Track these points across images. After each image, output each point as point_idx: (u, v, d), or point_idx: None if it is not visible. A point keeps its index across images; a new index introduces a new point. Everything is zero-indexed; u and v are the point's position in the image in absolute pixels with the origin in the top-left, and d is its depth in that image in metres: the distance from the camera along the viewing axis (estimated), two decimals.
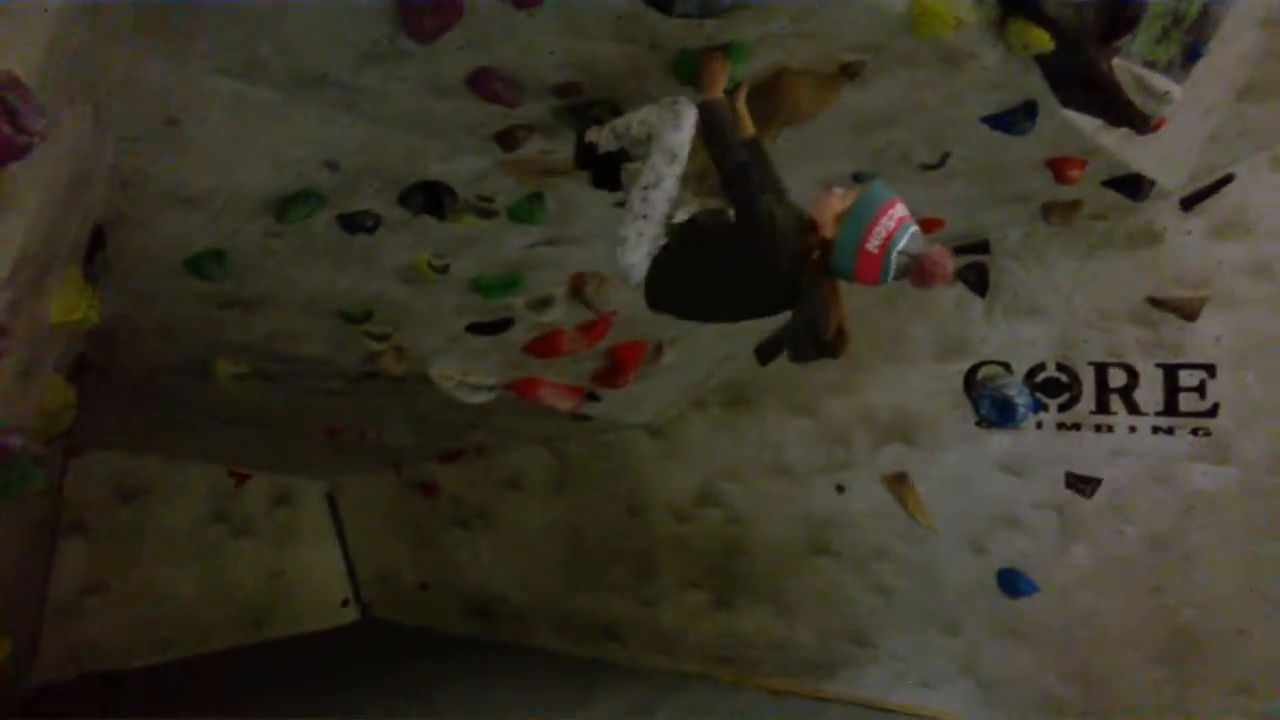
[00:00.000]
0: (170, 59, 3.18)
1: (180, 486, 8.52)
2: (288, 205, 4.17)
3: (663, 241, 3.39)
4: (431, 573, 9.35)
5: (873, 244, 3.01)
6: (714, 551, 7.74)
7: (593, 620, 8.40)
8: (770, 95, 3.81)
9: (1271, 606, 6.00)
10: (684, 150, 3.32)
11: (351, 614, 9.76)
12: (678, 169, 3.34)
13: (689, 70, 3.47)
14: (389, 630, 9.50)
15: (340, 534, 9.75)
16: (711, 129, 3.27)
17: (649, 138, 3.40)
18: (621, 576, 8.23)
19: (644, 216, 3.38)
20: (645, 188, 3.38)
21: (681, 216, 3.45)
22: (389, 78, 3.48)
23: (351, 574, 9.82)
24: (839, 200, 3.10)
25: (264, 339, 5.42)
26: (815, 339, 3.16)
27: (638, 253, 3.40)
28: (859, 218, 3.03)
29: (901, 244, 3.01)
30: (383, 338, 5.56)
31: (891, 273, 3.04)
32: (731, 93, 3.56)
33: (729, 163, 3.22)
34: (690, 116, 3.32)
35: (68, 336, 3.99)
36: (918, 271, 3.02)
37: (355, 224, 4.44)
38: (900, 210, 3.03)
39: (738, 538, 7.63)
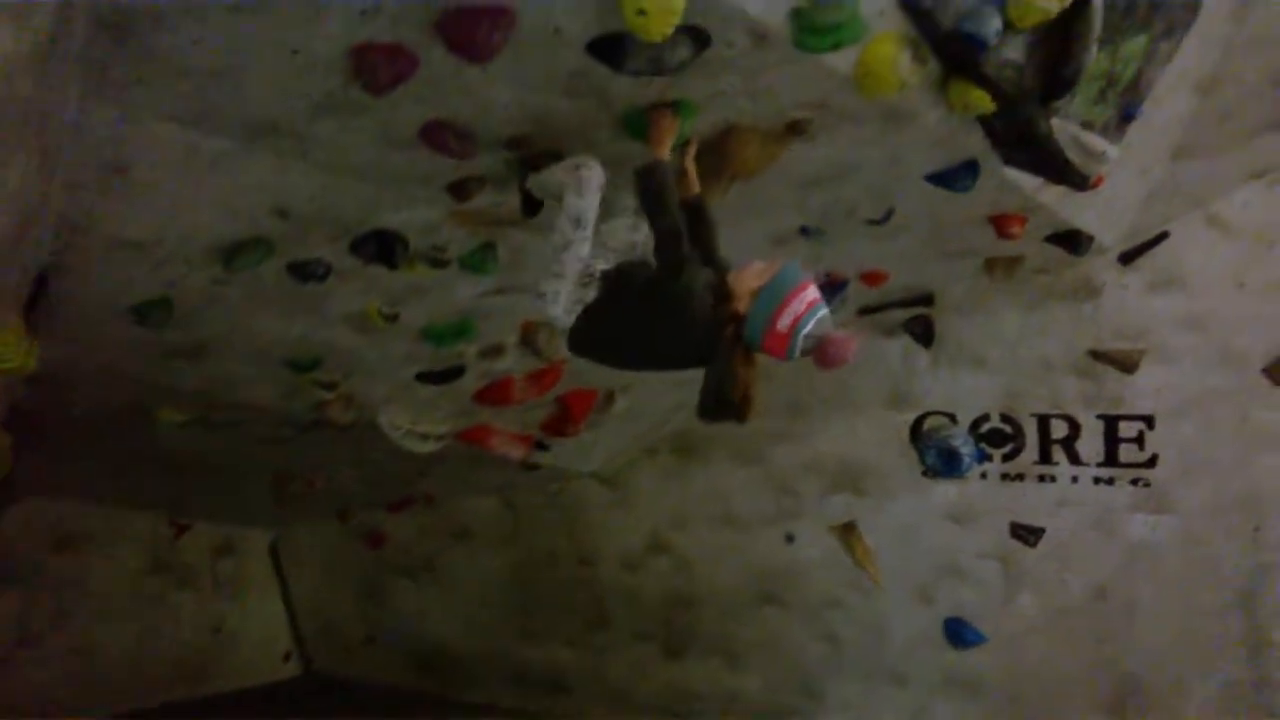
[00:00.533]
0: (121, 107, 3.16)
1: (119, 536, 8.29)
2: (237, 252, 4.14)
3: (580, 296, 3.44)
4: (377, 625, 9.18)
5: (782, 324, 3.11)
6: (663, 602, 7.70)
7: (542, 673, 8.29)
8: (718, 151, 3.88)
9: (1210, 655, 6.10)
10: (589, 214, 3.38)
11: (294, 668, 9.53)
12: (585, 233, 3.40)
13: (639, 126, 3.53)
14: (333, 684, 9.29)
15: (283, 585, 9.55)
16: (648, 192, 3.33)
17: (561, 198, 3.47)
18: (571, 628, 8.15)
19: (557, 275, 3.45)
20: (555, 249, 3.45)
21: (606, 265, 3.49)
22: (342, 128, 3.49)
23: (294, 627, 9.61)
24: (755, 277, 3.19)
25: (209, 386, 5.34)
26: (720, 402, 3.23)
27: (556, 308, 3.48)
28: (772, 297, 3.13)
29: (808, 328, 3.11)
30: (331, 386, 5.51)
31: (797, 352, 3.15)
32: (681, 148, 3.63)
33: (661, 228, 3.29)
34: (594, 181, 3.39)
35: (5, 384, 3.91)
36: (820, 354, 3.14)
37: (305, 272, 4.41)
38: (811, 294, 3.14)
39: (687, 587, 7.60)
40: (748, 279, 3.20)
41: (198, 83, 3.11)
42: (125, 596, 8.32)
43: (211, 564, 8.98)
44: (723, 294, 3.23)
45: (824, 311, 3.14)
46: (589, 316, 3.47)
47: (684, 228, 3.30)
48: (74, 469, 6.87)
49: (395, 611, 9.02)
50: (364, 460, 6.83)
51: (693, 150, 3.67)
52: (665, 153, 3.42)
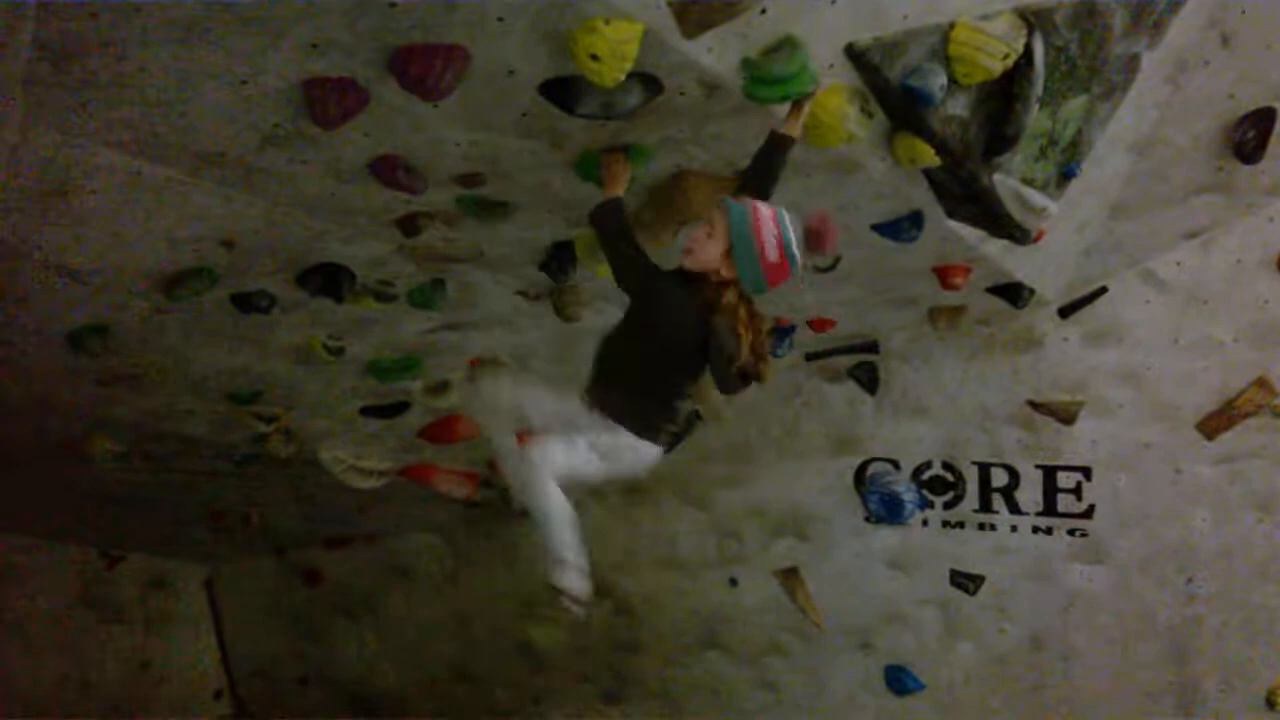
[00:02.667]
0: (62, 131, 3.11)
1: (47, 568, 8.05)
2: (179, 282, 4.08)
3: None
4: (312, 665, 8.97)
5: (771, 254, 3.07)
6: (604, 645, 7.63)
7: (479, 716, 8.15)
8: (669, 195, 3.92)
9: (1144, 706, 6.18)
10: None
11: (224, 708, 9.28)
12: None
13: (590, 168, 3.55)
14: None
15: (217, 622, 9.32)
16: (603, 228, 3.33)
17: None
18: (510, 671, 8.03)
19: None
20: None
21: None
22: (290, 160, 3.47)
23: (226, 665, 9.37)
24: (713, 243, 3.12)
25: (146, 417, 5.24)
26: (734, 368, 3.17)
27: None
28: (745, 242, 3.06)
29: (790, 236, 3.08)
30: (271, 419, 5.42)
31: (799, 264, 3.12)
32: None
33: (619, 265, 3.27)
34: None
35: None
36: (813, 242, 3.13)
37: (249, 303, 4.36)
38: (765, 211, 3.09)
39: (629, 631, 7.54)
40: (710, 249, 3.11)
41: (143, 111, 3.07)
42: (50, 631, 8.06)
43: (142, 598, 8.74)
44: (694, 277, 3.17)
45: (785, 214, 3.10)
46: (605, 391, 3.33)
47: (642, 261, 3.24)
48: (2, 499, 6.68)
49: (331, 651, 8.83)
50: (303, 496, 6.72)
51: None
52: (619, 194, 3.44)
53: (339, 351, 4.89)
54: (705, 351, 3.21)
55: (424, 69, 2.93)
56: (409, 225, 3.97)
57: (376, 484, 6.12)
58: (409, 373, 5.25)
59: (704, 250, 3.12)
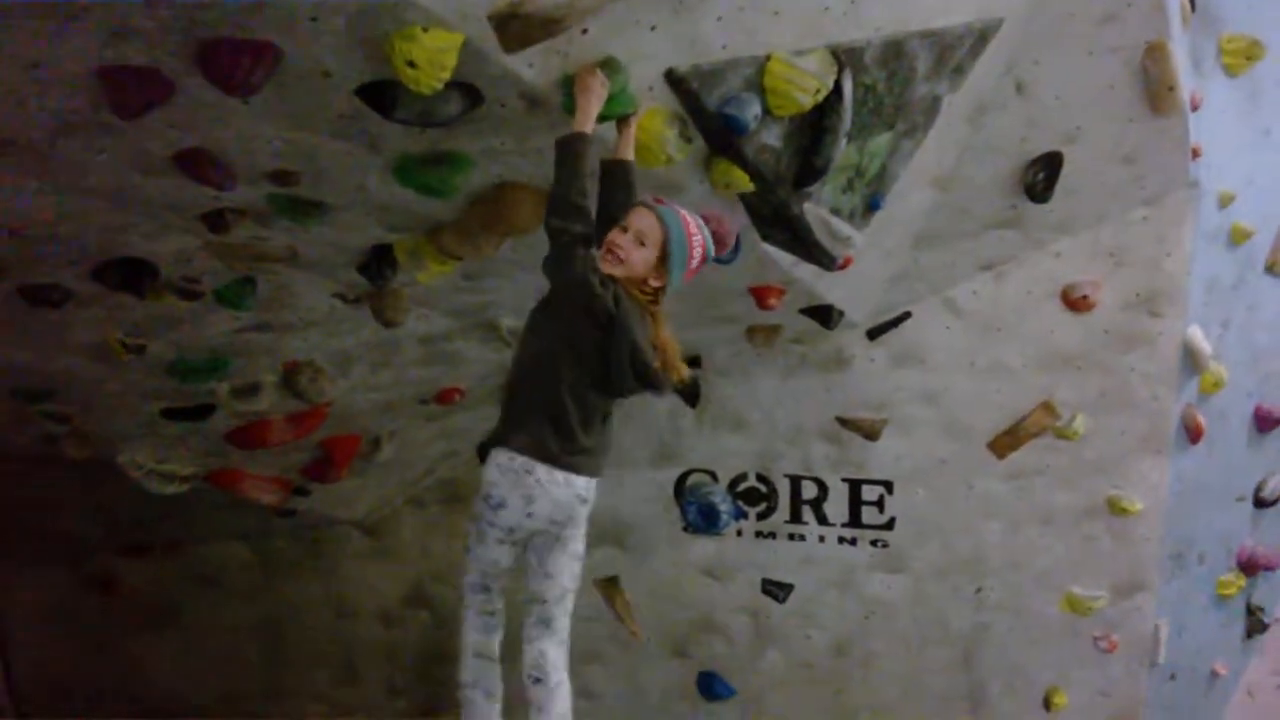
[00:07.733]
0: None
1: None
2: None
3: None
4: (107, 680, 8.46)
5: (695, 261, 3.20)
6: (421, 656, 7.52)
7: None
8: (493, 206, 3.92)
9: (936, 708, 6.55)
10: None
11: None
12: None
13: (407, 172, 3.52)
14: None
15: None
16: (564, 184, 3.08)
17: None
18: (322, 683, 7.81)
19: None
20: None
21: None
22: (88, 149, 3.30)
23: (9, 681, 8.73)
24: (645, 250, 3.10)
25: None
26: (640, 367, 3.15)
27: None
28: (681, 249, 3.14)
29: (709, 240, 3.23)
30: (64, 419, 5.12)
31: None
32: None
33: (566, 236, 3.02)
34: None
35: None
36: (717, 244, 3.35)
37: (39, 296, 4.11)
38: (692, 221, 3.18)
39: (447, 642, 7.43)
40: (641, 257, 3.09)
41: None
42: None
43: None
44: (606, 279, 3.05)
45: (702, 222, 3.22)
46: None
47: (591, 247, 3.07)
48: None
49: (130, 664, 8.35)
50: (98, 500, 6.36)
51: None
52: (588, 129, 3.11)
53: (139, 350, 4.65)
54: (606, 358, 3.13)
55: (232, 64, 2.84)
56: (216, 221, 3.84)
57: (180, 489, 5.86)
58: (215, 374, 5.04)
59: (635, 258, 3.11)
